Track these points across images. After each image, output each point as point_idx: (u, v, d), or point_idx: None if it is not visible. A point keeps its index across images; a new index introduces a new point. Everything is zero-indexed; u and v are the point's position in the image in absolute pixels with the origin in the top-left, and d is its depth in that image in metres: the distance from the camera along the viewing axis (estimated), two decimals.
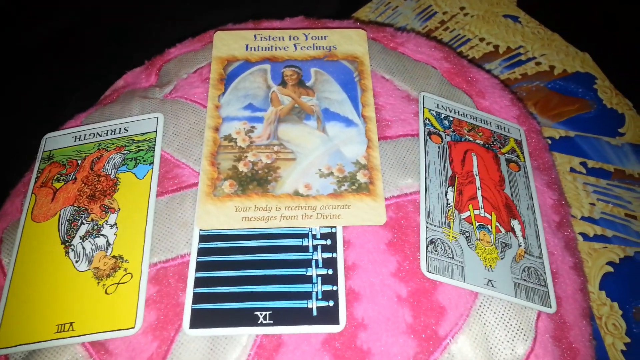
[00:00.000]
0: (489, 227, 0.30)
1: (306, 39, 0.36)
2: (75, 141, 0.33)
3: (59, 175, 0.31)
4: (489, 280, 0.28)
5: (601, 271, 0.40)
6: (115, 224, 0.29)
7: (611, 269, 0.40)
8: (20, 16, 0.58)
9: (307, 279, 0.27)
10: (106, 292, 0.27)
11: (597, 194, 0.44)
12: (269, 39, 0.36)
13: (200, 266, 0.27)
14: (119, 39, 0.56)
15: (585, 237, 0.42)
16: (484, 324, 0.27)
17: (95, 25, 0.58)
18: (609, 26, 0.55)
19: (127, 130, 0.33)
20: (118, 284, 0.27)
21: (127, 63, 0.40)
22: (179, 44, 0.39)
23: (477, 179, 0.31)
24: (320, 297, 0.27)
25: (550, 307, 0.28)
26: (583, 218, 0.42)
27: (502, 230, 0.30)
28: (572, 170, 0.45)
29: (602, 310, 0.38)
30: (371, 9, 0.57)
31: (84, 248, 0.29)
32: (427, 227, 0.29)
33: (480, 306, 0.27)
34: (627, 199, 0.43)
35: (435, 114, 0.34)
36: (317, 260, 0.28)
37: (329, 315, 0.26)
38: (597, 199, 0.43)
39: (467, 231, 0.29)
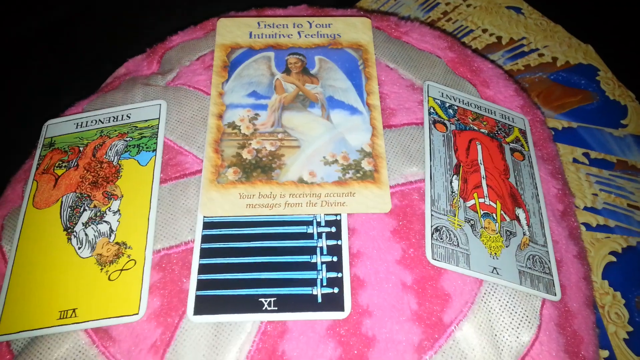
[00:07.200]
0: (494, 215, 0.30)
1: (310, 27, 0.36)
2: (77, 128, 0.33)
3: (60, 162, 0.31)
4: (494, 268, 0.28)
5: (604, 261, 0.40)
6: (119, 210, 0.29)
7: (614, 259, 0.40)
8: (18, 6, 0.57)
9: (312, 266, 0.27)
10: (109, 279, 0.27)
11: (599, 184, 0.44)
12: (273, 27, 0.36)
13: (204, 253, 0.27)
14: (118, 29, 0.56)
15: (588, 227, 0.42)
16: (489, 311, 0.27)
17: (94, 15, 0.57)
18: (612, 18, 0.55)
19: (129, 117, 0.32)
20: (121, 270, 0.27)
21: (127, 53, 0.40)
22: (180, 31, 0.39)
23: (482, 167, 0.31)
24: (325, 284, 0.26)
25: (555, 295, 0.28)
26: (586, 208, 0.42)
27: (507, 218, 0.30)
28: (575, 161, 0.45)
29: (605, 300, 0.38)
30: None
31: (86, 235, 0.28)
32: (432, 215, 0.29)
33: (485, 293, 0.27)
34: (630, 189, 0.43)
35: (439, 103, 0.34)
36: (321, 248, 0.27)
37: (333, 302, 0.26)
38: (599, 190, 0.43)
39: (472, 219, 0.29)
